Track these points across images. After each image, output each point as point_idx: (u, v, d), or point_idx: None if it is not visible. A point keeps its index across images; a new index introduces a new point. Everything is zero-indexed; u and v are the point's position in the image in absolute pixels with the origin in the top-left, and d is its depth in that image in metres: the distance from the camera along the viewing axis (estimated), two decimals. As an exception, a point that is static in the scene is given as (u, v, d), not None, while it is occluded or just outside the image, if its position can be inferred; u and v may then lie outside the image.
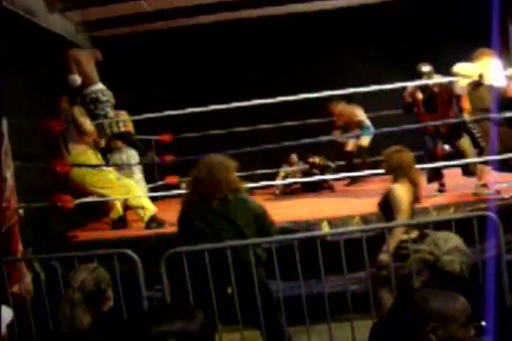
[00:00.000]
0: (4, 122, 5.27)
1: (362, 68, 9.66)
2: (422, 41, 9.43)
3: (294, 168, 8.96)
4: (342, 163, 8.93)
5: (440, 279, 2.74)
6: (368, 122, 8.81)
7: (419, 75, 6.37)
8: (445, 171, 6.74)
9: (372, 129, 8.73)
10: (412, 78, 6.43)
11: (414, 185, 4.45)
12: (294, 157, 9.06)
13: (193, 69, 9.81)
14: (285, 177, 8.87)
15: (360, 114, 8.83)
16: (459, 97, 6.38)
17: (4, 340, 2.97)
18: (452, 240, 2.87)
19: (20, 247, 5.25)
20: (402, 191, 4.35)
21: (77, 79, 6.56)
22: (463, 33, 8.75)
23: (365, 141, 8.82)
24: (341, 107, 8.82)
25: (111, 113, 6.57)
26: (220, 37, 9.84)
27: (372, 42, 9.88)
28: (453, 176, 6.97)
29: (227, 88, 9.22)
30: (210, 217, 4.04)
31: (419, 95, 6.49)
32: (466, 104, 6.24)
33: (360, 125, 8.79)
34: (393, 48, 9.74)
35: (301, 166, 8.89)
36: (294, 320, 4.06)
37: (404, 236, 4.15)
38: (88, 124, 6.14)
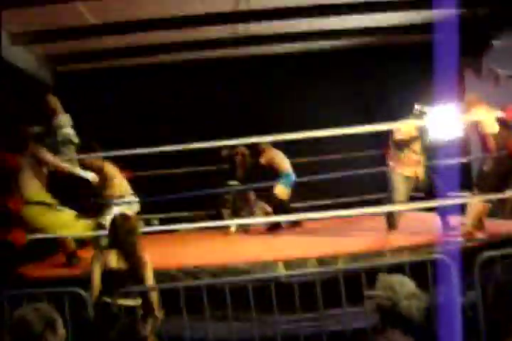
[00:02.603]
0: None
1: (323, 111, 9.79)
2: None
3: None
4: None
5: (396, 324, 2.74)
6: (289, 170, 8.55)
7: (418, 115, 6.48)
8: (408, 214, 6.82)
9: (291, 179, 8.48)
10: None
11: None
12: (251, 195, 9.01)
13: (152, 108, 9.82)
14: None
15: (282, 161, 8.61)
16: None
17: None
18: (407, 285, 2.87)
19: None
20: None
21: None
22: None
23: (281, 190, 8.45)
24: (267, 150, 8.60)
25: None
26: (182, 77, 9.89)
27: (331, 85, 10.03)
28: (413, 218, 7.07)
29: (184, 128, 9.27)
30: None
31: None
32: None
33: (279, 172, 8.51)
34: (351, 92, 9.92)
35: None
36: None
37: None
38: (47, 154, 6.06)
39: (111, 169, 6.69)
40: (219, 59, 9.92)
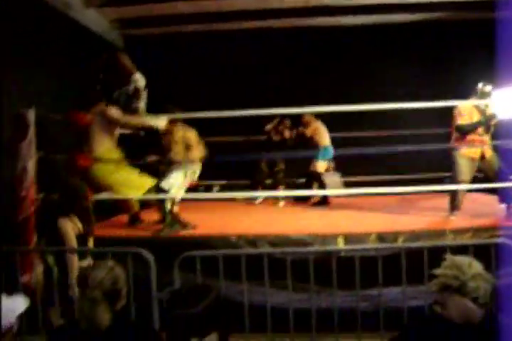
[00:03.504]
0: (32, 113, 5.32)
1: (395, 85, 9.65)
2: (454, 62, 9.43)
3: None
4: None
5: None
6: (328, 144, 8.53)
7: (482, 95, 6.29)
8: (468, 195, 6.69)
9: (329, 153, 8.52)
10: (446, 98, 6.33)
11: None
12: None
13: (219, 74, 9.83)
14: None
15: (324, 134, 8.59)
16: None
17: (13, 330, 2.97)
18: (475, 266, 2.83)
19: (35, 238, 5.28)
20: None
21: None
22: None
23: (319, 163, 8.57)
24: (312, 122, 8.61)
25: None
26: (251, 45, 9.84)
27: (407, 60, 9.85)
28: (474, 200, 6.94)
29: (253, 95, 9.24)
30: None
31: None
32: None
33: (318, 145, 8.53)
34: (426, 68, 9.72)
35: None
36: (301, 332, 4.03)
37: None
38: (116, 112, 6.09)
39: (190, 134, 6.63)
40: (288, 28, 9.84)
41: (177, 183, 6.31)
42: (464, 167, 6.33)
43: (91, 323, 2.58)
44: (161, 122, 6.26)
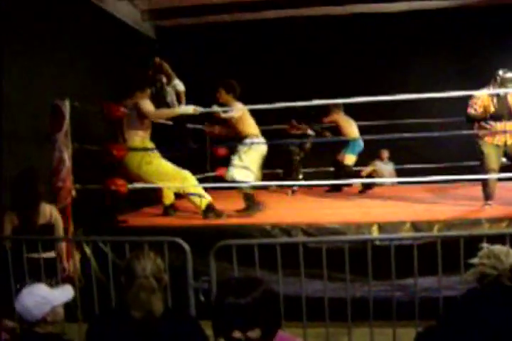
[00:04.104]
0: (67, 104, 5.39)
1: (430, 73, 9.57)
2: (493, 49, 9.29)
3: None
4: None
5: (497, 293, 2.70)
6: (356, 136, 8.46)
7: (502, 82, 6.17)
8: (500, 184, 6.59)
9: (359, 147, 8.50)
10: (478, 87, 6.25)
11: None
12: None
13: (253, 64, 9.81)
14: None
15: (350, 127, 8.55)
16: None
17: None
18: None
19: (71, 227, 5.38)
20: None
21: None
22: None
23: (348, 157, 8.52)
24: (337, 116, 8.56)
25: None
26: (284, 33, 9.83)
27: (443, 47, 9.75)
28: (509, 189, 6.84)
29: (286, 86, 9.23)
30: None
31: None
32: None
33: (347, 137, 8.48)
34: (463, 55, 9.63)
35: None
36: (336, 321, 4.04)
37: None
38: (148, 104, 6.16)
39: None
40: (319, 17, 9.80)
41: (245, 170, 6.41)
42: (491, 155, 6.25)
43: (148, 312, 2.61)
44: (190, 108, 6.31)
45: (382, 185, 9.36)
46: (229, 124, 6.56)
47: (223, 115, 6.41)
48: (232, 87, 6.43)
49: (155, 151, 6.26)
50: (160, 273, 2.71)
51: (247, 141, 6.39)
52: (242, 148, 6.41)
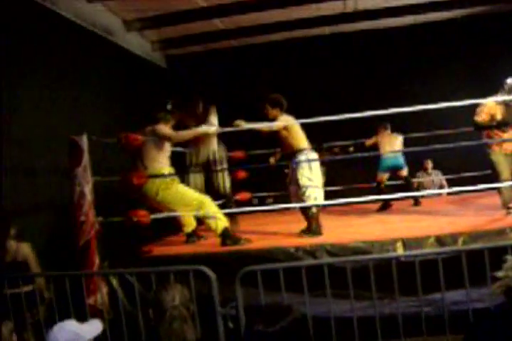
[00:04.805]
0: (84, 139, 5.46)
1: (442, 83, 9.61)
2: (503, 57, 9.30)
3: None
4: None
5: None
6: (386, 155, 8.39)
7: (509, 90, 6.16)
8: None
9: (386, 165, 8.46)
10: (486, 95, 6.24)
11: None
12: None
13: (265, 86, 9.88)
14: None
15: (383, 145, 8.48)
16: None
17: None
18: (535, 267, 2.77)
19: (97, 260, 5.41)
20: None
21: None
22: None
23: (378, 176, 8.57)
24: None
25: None
26: (292, 54, 9.92)
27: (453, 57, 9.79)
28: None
29: (301, 105, 9.27)
30: None
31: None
32: None
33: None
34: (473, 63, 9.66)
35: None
36: (366, 340, 4.02)
37: None
38: (166, 128, 6.20)
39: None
40: (325, 36, 9.95)
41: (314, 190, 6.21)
42: (502, 164, 6.24)
43: None
44: (213, 127, 6.39)
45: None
46: (281, 140, 6.34)
47: (261, 126, 6.27)
48: (277, 100, 6.33)
49: (174, 177, 6.28)
50: (188, 303, 2.73)
51: (302, 157, 6.14)
52: (302, 165, 6.15)
